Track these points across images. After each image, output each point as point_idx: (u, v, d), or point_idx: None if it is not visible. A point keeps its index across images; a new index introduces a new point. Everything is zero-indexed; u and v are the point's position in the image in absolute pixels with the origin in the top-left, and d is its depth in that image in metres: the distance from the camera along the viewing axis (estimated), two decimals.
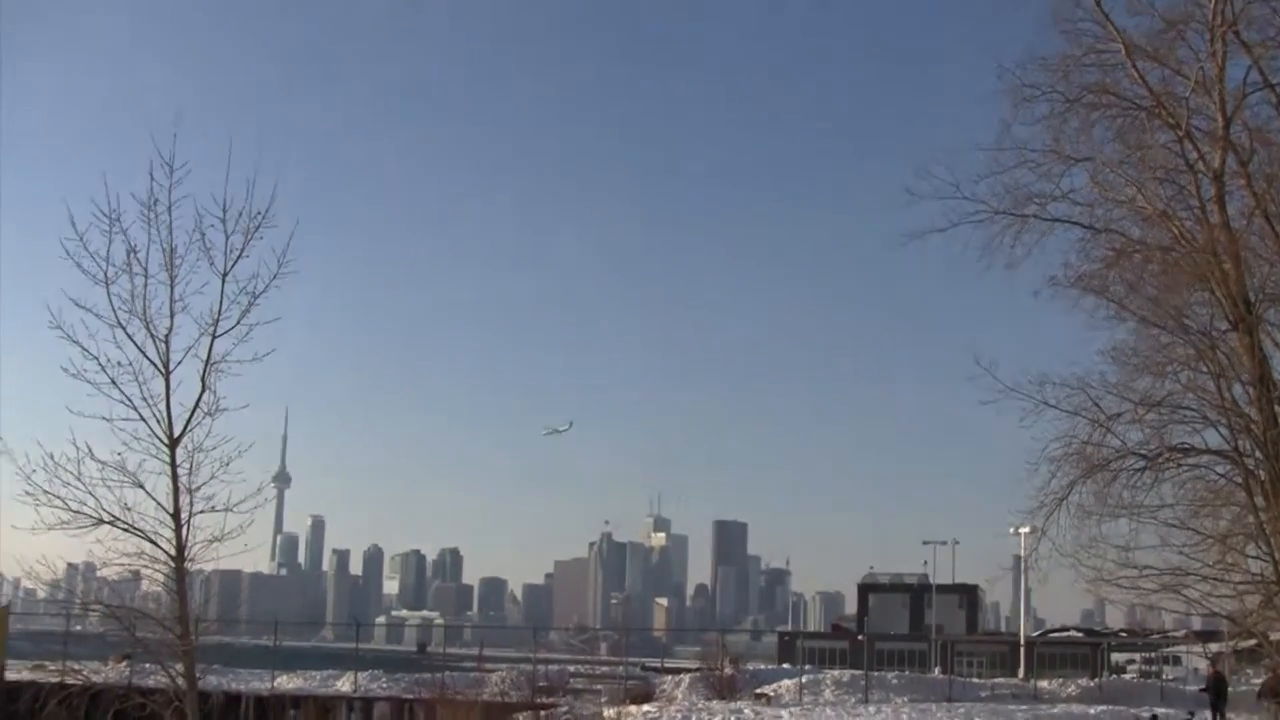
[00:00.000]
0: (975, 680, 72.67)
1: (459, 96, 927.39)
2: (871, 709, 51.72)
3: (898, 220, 32.51)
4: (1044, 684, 66.36)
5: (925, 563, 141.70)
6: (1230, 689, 50.86)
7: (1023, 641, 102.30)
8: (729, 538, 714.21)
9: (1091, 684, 67.24)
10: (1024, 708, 54.79)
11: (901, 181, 31.61)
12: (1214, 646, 67.85)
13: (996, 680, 75.69)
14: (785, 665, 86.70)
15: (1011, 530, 60.88)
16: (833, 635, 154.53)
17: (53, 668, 53.06)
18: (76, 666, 41.67)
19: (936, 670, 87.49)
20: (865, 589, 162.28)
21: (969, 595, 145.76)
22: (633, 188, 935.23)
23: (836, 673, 66.59)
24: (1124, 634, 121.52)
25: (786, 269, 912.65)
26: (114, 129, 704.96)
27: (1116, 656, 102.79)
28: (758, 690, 58.77)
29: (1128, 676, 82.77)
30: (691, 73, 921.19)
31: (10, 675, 57.04)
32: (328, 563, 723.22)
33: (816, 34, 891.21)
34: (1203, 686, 52.77)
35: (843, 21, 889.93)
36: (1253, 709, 48.09)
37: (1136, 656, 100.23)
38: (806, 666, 74.61)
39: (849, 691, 58.31)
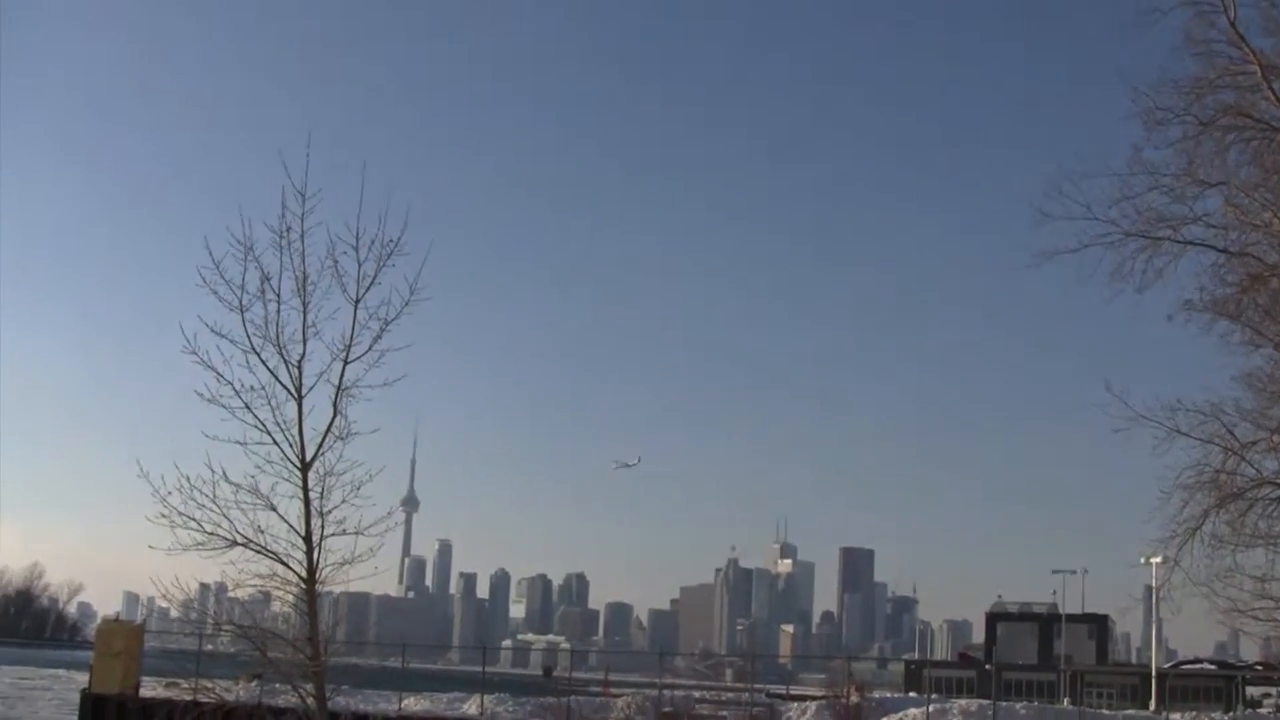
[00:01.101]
0: (1105, 712, 71.67)
1: (591, 114, 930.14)
2: None
3: (1029, 241, 32.12)
4: (1176, 717, 65.40)
5: (1054, 592, 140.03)
6: None
7: (1154, 673, 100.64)
8: (856, 564, 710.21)
9: (1225, 718, 66.17)
10: None
11: (1033, 202, 31.31)
12: None
13: (1127, 712, 74.64)
14: (912, 694, 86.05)
15: (1143, 560, 60.05)
16: (960, 664, 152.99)
17: (186, 685, 53.75)
18: (209, 685, 42.19)
19: (1066, 701, 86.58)
20: (993, 618, 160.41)
21: (1099, 625, 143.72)
22: (760, 203, 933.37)
23: (964, 702, 65.96)
24: (1259, 667, 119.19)
25: (915, 291, 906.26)
26: (247, 160, 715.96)
27: (1251, 690, 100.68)
28: (884, 718, 58.37)
29: (1263, 711, 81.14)
30: (820, 85, 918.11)
31: (145, 692, 57.98)
32: (455, 586, 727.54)
33: (950, 53, 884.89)
34: None
35: (978, 40, 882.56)
36: None
37: (1273, 690, 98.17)
38: (933, 696, 73.88)
39: None
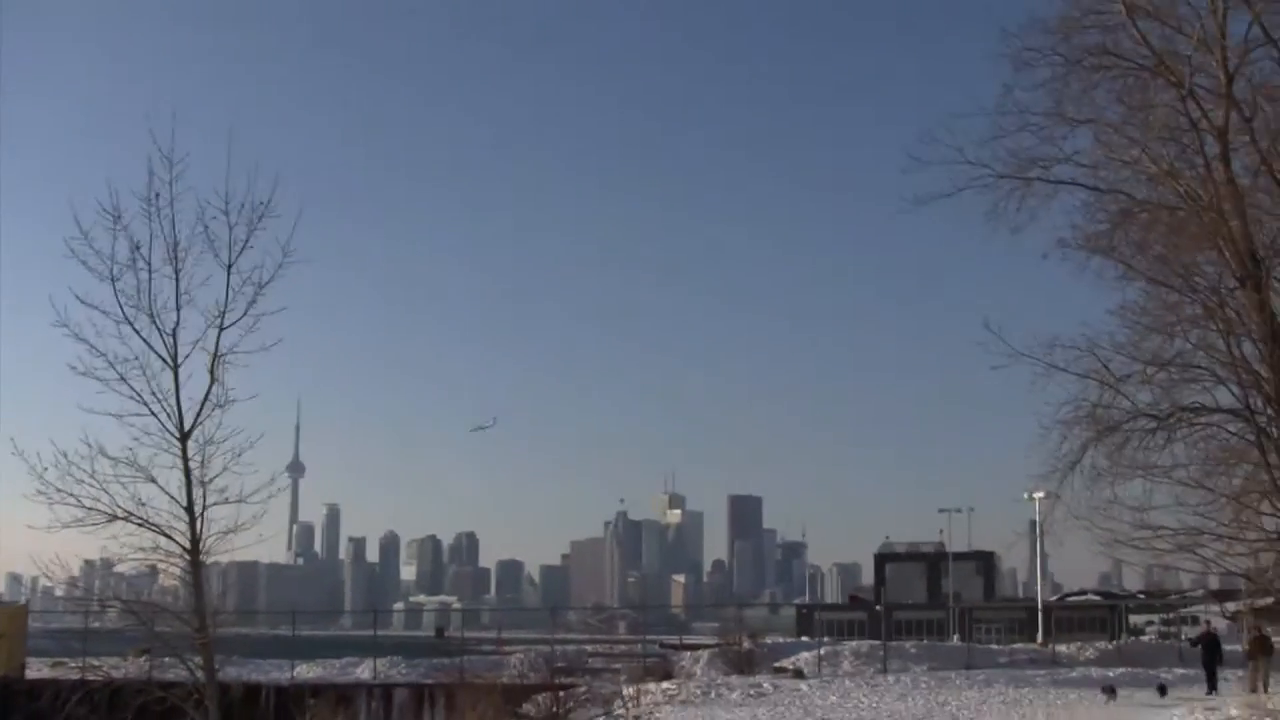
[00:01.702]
0: (994, 647, 72.82)
1: (452, 79, 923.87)
2: (890, 679, 51.79)
3: (903, 186, 32.26)
4: (1063, 648, 66.46)
5: (941, 531, 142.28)
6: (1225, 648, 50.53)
7: (1040, 606, 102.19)
8: (744, 512, 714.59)
9: (1110, 647, 67.39)
10: (1043, 672, 54.88)
11: (907, 148, 31.43)
12: (1231, 605, 67.82)
13: (1015, 646, 75.84)
14: (804, 638, 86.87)
15: (1026, 495, 61.15)
16: (850, 606, 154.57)
17: (73, 665, 53.18)
18: (96, 663, 41.85)
19: (955, 638, 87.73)
20: (882, 559, 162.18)
21: (986, 562, 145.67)
22: (637, 157, 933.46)
23: (855, 644, 66.73)
24: (1142, 596, 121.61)
25: (796, 239, 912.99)
26: (114, 124, 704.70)
27: (1135, 619, 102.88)
28: (776, 664, 58.92)
29: (1146, 638, 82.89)
30: (695, 36, 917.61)
31: (31, 673, 57.34)
32: (344, 551, 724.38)
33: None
34: (1194, 642, 52.48)
35: None
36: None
37: (1155, 618, 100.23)
38: (825, 639, 74.71)
39: (867, 662, 58.45)
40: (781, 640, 77.07)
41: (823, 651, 60.22)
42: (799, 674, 55.19)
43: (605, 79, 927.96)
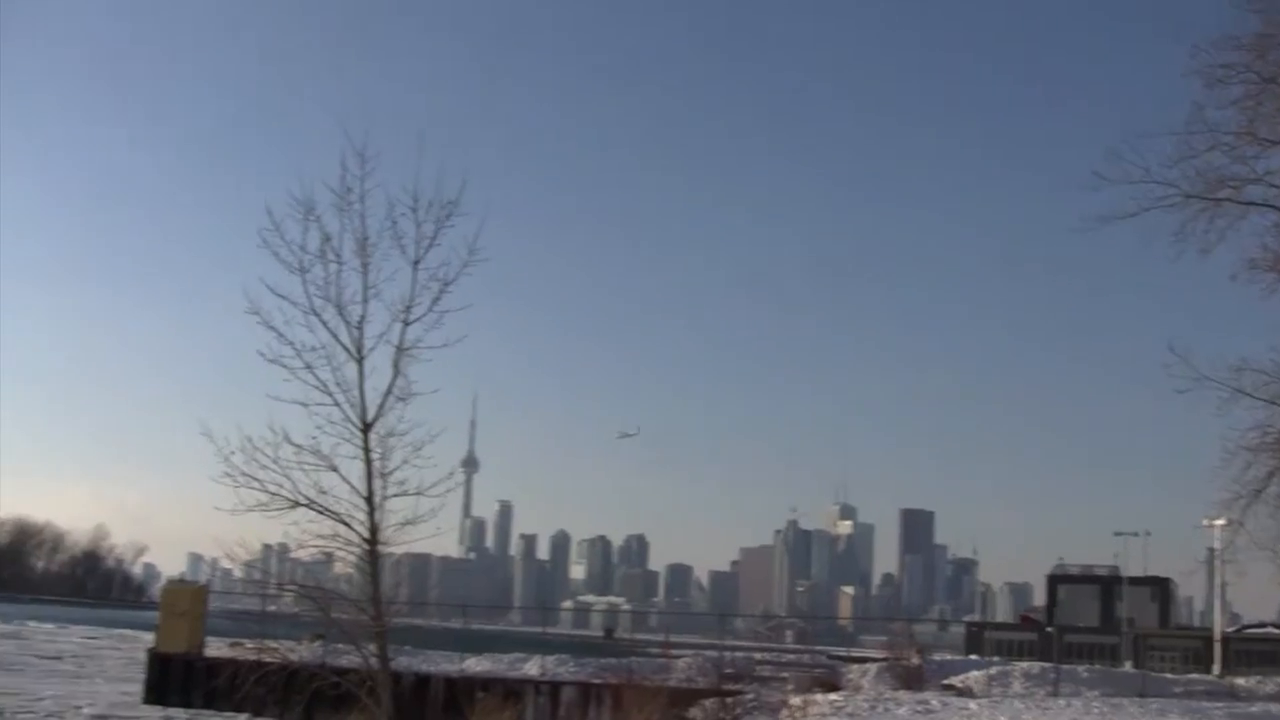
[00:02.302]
0: (1168, 676, 71.25)
1: (655, 78, 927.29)
2: (1061, 702, 50.87)
3: (1086, 206, 31.78)
4: (1240, 681, 64.83)
5: (1116, 555, 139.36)
6: None
7: (1218, 637, 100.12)
8: (916, 526, 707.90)
9: None
10: (1220, 705, 53.52)
11: (1090, 166, 30.97)
12: None
13: (1190, 676, 74.19)
14: (973, 656, 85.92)
15: (1206, 522, 59.67)
16: (1021, 627, 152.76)
17: (250, 646, 54.21)
18: (273, 645, 42.55)
19: (1128, 664, 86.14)
20: (1054, 580, 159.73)
21: (1161, 588, 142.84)
22: (821, 172, 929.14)
23: (1025, 664, 65.73)
24: None
25: (976, 256, 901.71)
26: (307, 119, 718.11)
27: None
28: (945, 681, 58.21)
29: None
30: (874, 51, 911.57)
31: (210, 652, 58.48)
32: (515, 548, 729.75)
33: (1005, 14, 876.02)
34: None
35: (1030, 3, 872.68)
36: None
37: None
38: (994, 658, 73.84)
39: (1038, 684, 57.49)
40: (950, 658, 76.29)
41: (993, 671, 59.41)
42: (968, 692, 54.55)
43: (796, 81, 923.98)
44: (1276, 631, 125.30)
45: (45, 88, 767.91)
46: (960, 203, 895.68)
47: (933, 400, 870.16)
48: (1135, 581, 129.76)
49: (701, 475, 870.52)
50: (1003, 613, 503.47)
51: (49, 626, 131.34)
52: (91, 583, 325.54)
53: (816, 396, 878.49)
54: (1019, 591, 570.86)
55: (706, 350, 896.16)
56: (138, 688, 58.07)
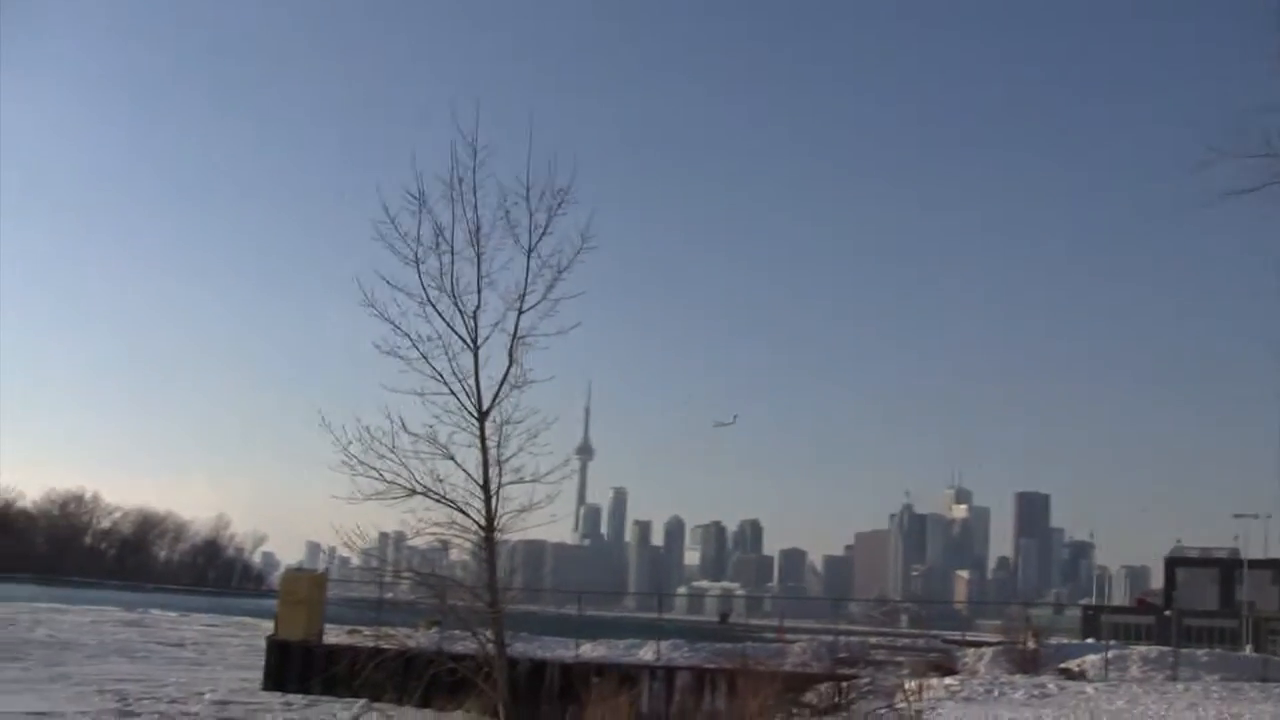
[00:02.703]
0: None
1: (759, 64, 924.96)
2: (1180, 687, 50.36)
3: (1201, 181, 31.26)
4: None
5: (1236, 537, 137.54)
6: None
7: None
8: (1031, 509, 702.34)
9: None
10: None
11: (1205, 140, 30.47)
12: None
13: None
14: (1090, 640, 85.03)
15: None
16: (1138, 610, 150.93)
17: (367, 633, 54.79)
18: (390, 632, 43.05)
19: (1248, 648, 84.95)
20: (1172, 563, 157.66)
21: None
22: (907, 155, 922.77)
23: (1143, 649, 64.98)
24: None
25: (1085, 236, 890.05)
26: (419, 111, 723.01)
27: None
28: (1061, 665, 57.76)
29: None
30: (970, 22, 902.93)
31: (329, 639, 59.16)
32: (630, 534, 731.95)
33: None
34: None
35: None
36: None
37: None
38: (1112, 642, 73.01)
39: (1156, 668, 56.88)
40: (1067, 642, 75.52)
41: (1110, 655, 58.80)
42: (1084, 676, 54.12)
43: (880, 78, 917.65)
44: None
45: (168, 79, 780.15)
46: (1059, 181, 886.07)
47: (1049, 381, 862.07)
48: (1255, 564, 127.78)
49: (816, 459, 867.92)
50: (1119, 596, 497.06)
51: (171, 614, 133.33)
52: (212, 571, 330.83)
53: (931, 378, 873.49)
54: (1136, 575, 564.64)
55: (820, 331, 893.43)
56: (257, 674, 58.81)
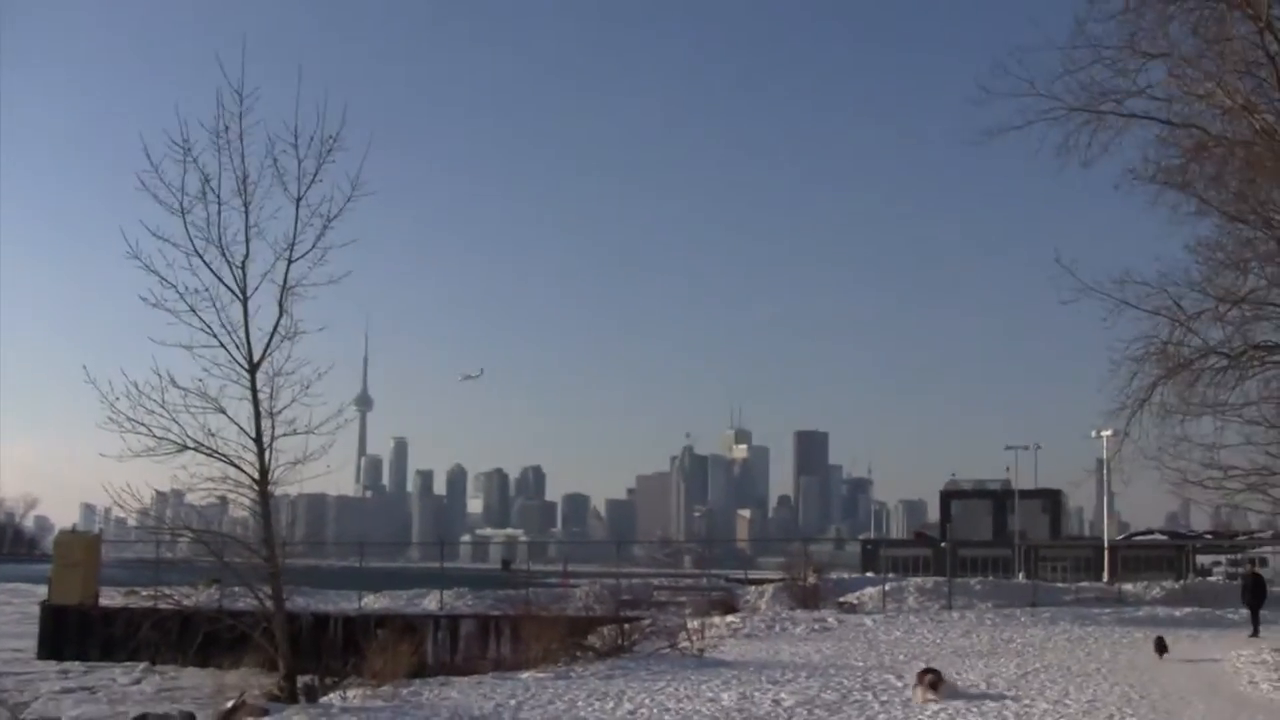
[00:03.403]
0: (1059, 585, 72.42)
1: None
2: (955, 615, 51.74)
3: (973, 119, 31.92)
4: (1128, 587, 66.02)
5: (1008, 468, 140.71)
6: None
7: (1106, 545, 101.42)
8: (810, 448, 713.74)
9: (1176, 586, 66.85)
10: (1108, 611, 54.67)
11: (976, 80, 31.08)
12: None
13: (1081, 585, 75.38)
14: (869, 574, 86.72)
15: (1094, 433, 60.78)
16: (915, 543, 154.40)
17: (145, 593, 53.86)
18: (168, 592, 42.35)
19: (1020, 576, 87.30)
20: (947, 496, 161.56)
21: (1052, 500, 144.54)
22: (707, 92, 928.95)
23: (919, 580, 66.66)
24: (1209, 536, 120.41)
25: (862, 172, 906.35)
26: (183, 58, 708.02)
27: (1202, 559, 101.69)
28: (841, 599, 58.89)
29: (1213, 579, 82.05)
30: None
31: (104, 601, 58.06)
32: (412, 484, 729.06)
33: None
34: (1241, 584, 51.73)
35: None
36: None
37: (1222, 558, 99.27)
38: (889, 575, 74.65)
39: (932, 598, 58.36)
40: (846, 576, 76.99)
41: (887, 588, 60.16)
42: (863, 609, 55.24)
43: (667, 29, 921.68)
44: (1163, 538, 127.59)
45: None
46: (842, 121, 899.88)
47: (823, 320, 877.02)
48: (1026, 494, 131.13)
49: (595, 403, 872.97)
50: (898, 530, 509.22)
51: None
52: None
53: (707, 321, 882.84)
54: (914, 509, 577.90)
55: (596, 276, 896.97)
56: (32, 643, 57.55)
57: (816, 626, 46.55)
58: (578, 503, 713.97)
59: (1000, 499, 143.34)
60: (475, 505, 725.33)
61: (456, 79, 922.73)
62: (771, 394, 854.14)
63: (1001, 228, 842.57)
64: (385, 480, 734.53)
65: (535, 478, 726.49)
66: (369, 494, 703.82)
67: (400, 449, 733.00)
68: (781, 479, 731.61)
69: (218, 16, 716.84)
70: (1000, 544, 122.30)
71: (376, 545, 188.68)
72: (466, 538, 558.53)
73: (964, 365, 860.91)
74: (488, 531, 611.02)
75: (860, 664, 32.85)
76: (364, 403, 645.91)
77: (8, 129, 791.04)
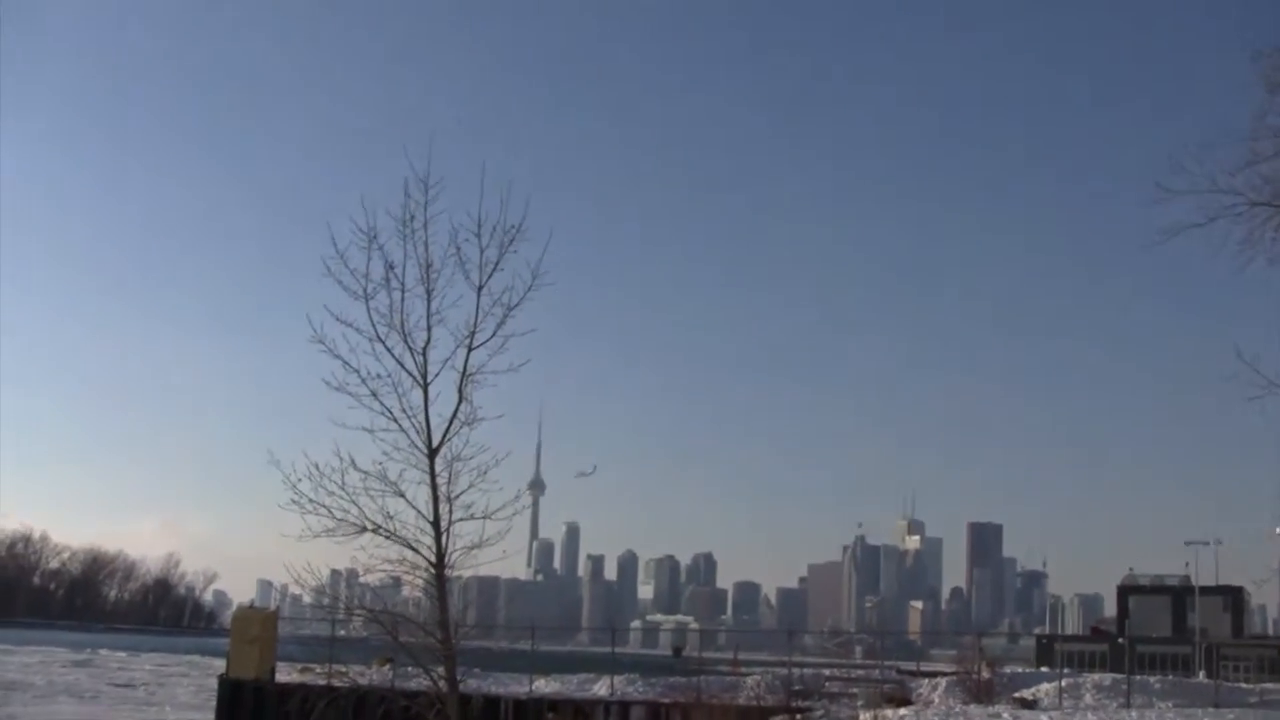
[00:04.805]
0: (1243, 685, 70.57)
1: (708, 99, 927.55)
2: (1134, 714, 50.59)
3: (1152, 217, 31.46)
4: None
5: (1187, 564, 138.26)
6: None
7: None
8: (984, 539, 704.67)
9: None
10: None
11: (1155, 177, 30.66)
12: None
13: (1266, 685, 73.44)
14: (1043, 669, 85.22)
15: (1278, 530, 59.30)
16: (1092, 638, 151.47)
17: (320, 670, 54.48)
18: (343, 669, 42.84)
19: (1201, 675, 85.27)
20: (1125, 591, 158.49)
21: (1234, 597, 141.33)
22: (878, 177, 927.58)
23: (1097, 676, 65.25)
24: None
25: (1040, 264, 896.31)
26: (368, 147, 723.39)
27: None
28: (1016, 694, 57.91)
29: None
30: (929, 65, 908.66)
31: (281, 677, 58.84)
32: (583, 568, 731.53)
33: (1065, 24, 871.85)
34: None
35: (1091, 11, 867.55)
36: None
37: None
38: (1065, 670, 73.27)
39: (1110, 696, 57.09)
40: (1021, 670, 75.72)
41: (1064, 683, 59.03)
42: (1039, 705, 54.25)
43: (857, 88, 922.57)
44: None
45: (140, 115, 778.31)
46: (1025, 213, 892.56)
47: (999, 412, 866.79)
48: (1207, 591, 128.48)
49: (768, 493, 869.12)
50: (1073, 625, 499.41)
51: (121, 654, 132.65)
52: (163, 610, 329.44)
53: (880, 412, 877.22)
54: (1089, 603, 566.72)
55: (770, 368, 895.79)
56: (209, 715, 58.54)
57: None
58: (748, 590, 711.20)
59: (1180, 595, 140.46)
60: (646, 591, 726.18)
61: (637, 168, 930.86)
62: (945, 485, 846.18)
63: (1181, 325, 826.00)
64: (557, 564, 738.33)
65: (706, 565, 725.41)
66: (540, 577, 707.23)
67: (572, 533, 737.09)
68: (954, 570, 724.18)
69: (403, 106, 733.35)
70: (1180, 641, 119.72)
71: (547, 629, 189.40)
72: (636, 623, 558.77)
73: (1141, 460, 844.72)
74: (658, 617, 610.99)
75: None
76: (537, 487, 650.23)
77: (210, 222, 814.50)
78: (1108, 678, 63.37)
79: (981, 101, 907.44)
